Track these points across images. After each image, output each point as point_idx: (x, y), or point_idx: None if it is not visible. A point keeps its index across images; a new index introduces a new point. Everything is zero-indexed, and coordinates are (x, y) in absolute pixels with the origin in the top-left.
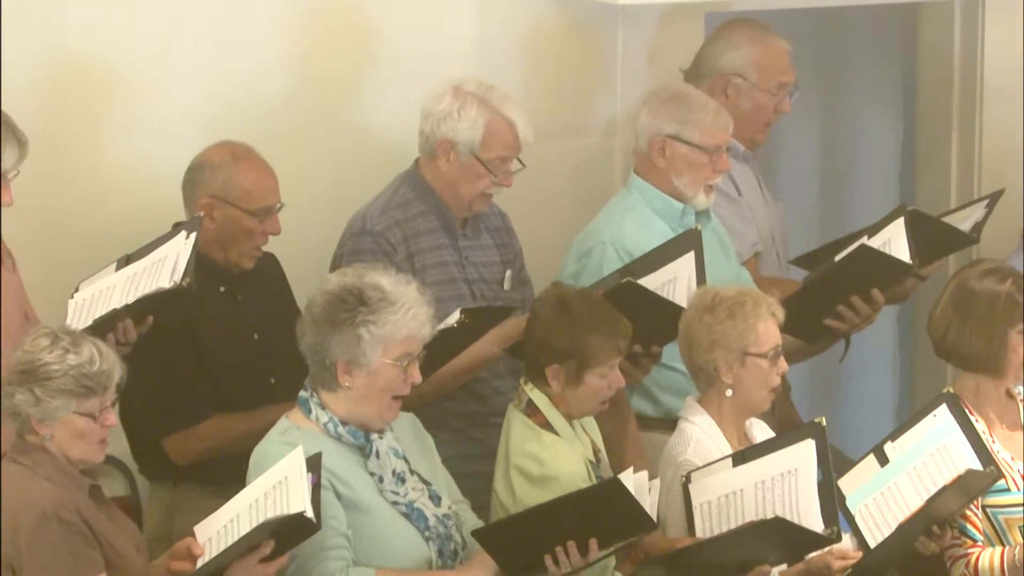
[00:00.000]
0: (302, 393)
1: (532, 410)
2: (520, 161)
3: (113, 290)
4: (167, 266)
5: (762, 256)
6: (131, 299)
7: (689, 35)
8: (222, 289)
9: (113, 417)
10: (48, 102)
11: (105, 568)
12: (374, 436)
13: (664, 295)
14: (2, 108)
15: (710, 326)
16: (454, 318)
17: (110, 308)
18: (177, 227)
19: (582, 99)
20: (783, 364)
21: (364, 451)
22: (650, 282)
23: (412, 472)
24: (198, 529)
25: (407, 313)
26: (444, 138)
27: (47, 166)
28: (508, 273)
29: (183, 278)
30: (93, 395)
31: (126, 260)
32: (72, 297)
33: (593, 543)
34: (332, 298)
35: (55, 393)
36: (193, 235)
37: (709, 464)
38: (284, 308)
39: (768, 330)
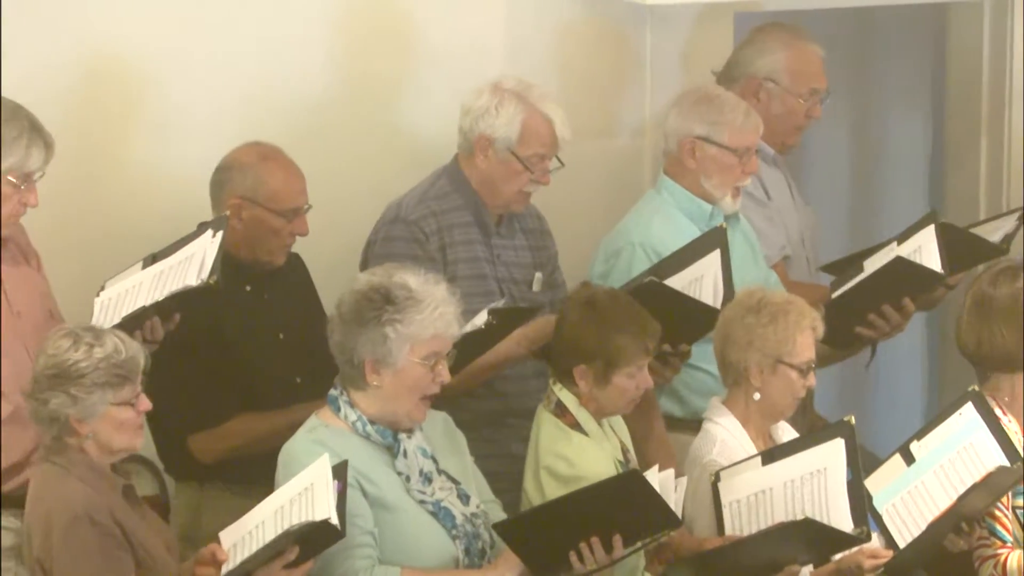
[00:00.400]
0: (332, 391)
1: (561, 411)
2: (559, 159)
3: (139, 288)
4: (194, 264)
5: (791, 260)
6: (158, 297)
7: (719, 36)
8: (248, 288)
9: (146, 401)
10: (80, 103)
11: (136, 570)
12: (402, 435)
13: (692, 293)
14: (31, 110)
15: (751, 327)
16: (482, 319)
17: (137, 306)
18: (203, 226)
19: (611, 100)
20: (812, 379)
21: (392, 450)
22: (677, 281)
23: (440, 471)
24: (224, 535)
25: (434, 312)
26: (482, 134)
27: (79, 167)
28: (538, 275)
29: (210, 276)
30: (127, 383)
31: (152, 259)
32: (98, 296)
33: (617, 539)
34: (360, 297)
35: (91, 388)
36: (219, 233)
37: (738, 463)
38: (310, 308)
39: (805, 343)
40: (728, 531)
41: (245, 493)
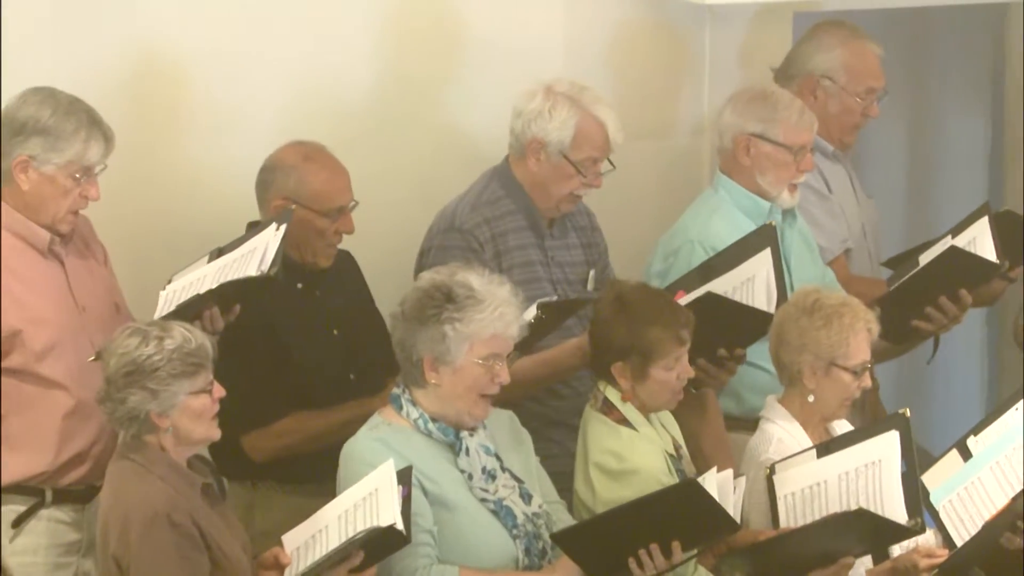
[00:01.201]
0: (395, 389)
1: (608, 408)
2: (611, 162)
3: (203, 281)
4: (255, 256)
5: (853, 253)
6: (215, 285)
7: (777, 35)
8: (300, 286)
9: (220, 387)
10: (134, 100)
11: (212, 571)
12: (464, 433)
13: (744, 293)
14: (89, 104)
15: (804, 329)
16: (531, 313)
17: (197, 291)
18: (253, 226)
19: (669, 99)
20: (867, 380)
21: (454, 448)
22: (729, 280)
23: (503, 469)
24: (286, 538)
25: (494, 312)
26: (534, 137)
27: (129, 165)
28: (592, 273)
29: (270, 267)
30: (201, 370)
31: (218, 252)
32: (164, 289)
33: (676, 545)
34: (421, 294)
35: (168, 380)
36: (283, 227)
37: (793, 455)
38: (362, 304)
39: (859, 345)
40: (783, 524)
41: (298, 491)
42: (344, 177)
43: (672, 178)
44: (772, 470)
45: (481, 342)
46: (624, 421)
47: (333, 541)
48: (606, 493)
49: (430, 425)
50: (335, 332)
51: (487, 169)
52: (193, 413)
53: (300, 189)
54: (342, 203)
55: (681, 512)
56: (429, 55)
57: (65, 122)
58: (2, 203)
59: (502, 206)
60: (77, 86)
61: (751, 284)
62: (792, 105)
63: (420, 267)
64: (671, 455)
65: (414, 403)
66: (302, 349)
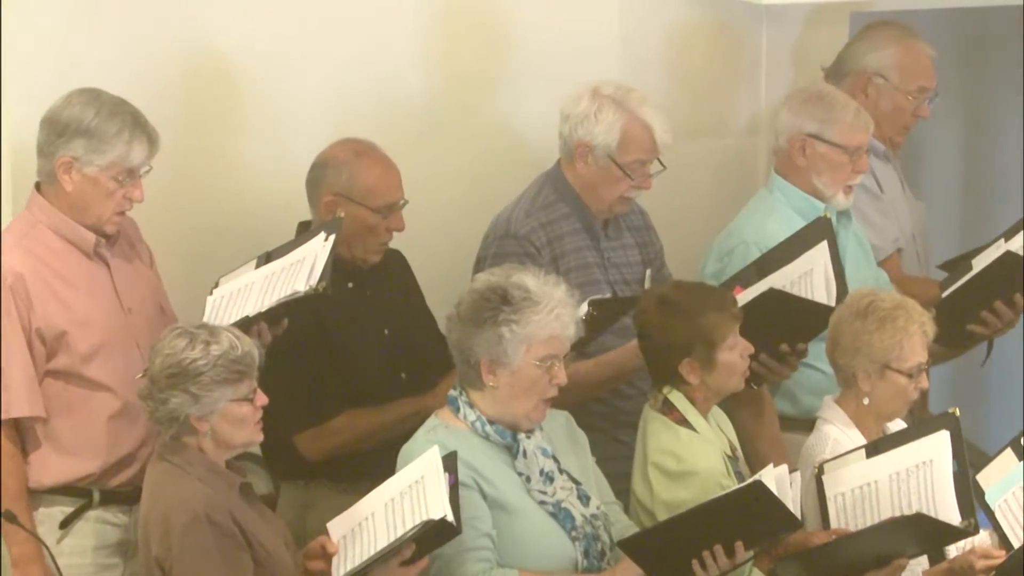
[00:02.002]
0: (451, 391)
1: (668, 408)
2: (661, 163)
3: (251, 288)
4: (304, 268)
5: (903, 255)
6: (266, 303)
7: (833, 35)
8: (350, 285)
9: (263, 396)
10: (186, 101)
11: (255, 568)
12: (521, 436)
13: (803, 287)
14: (136, 106)
15: (858, 332)
16: (583, 311)
17: (246, 309)
18: (304, 227)
19: (725, 99)
20: (924, 381)
21: (511, 450)
22: (787, 274)
23: (561, 471)
24: (332, 526)
25: (550, 313)
26: (581, 141)
27: (181, 165)
28: (648, 272)
29: (319, 282)
30: (245, 378)
31: (266, 257)
32: (211, 293)
33: (739, 545)
34: (477, 296)
35: (211, 386)
36: (332, 237)
37: (842, 455)
38: (413, 303)
39: (914, 347)
40: (833, 524)
41: (351, 490)
42: (395, 174)
43: (727, 178)
44: (821, 470)
45: (538, 343)
46: (683, 422)
47: (380, 529)
48: (664, 493)
49: (487, 427)
50: (386, 331)
51: (539, 174)
52: (234, 419)
53: (352, 185)
54: (393, 200)
55: (745, 513)
56: (481, 55)
57: (108, 124)
58: (48, 204)
59: (556, 210)
60: (129, 86)
61: (809, 277)
62: (848, 106)
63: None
64: (728, 456)
65: (471, 405)
66: (354, 348)
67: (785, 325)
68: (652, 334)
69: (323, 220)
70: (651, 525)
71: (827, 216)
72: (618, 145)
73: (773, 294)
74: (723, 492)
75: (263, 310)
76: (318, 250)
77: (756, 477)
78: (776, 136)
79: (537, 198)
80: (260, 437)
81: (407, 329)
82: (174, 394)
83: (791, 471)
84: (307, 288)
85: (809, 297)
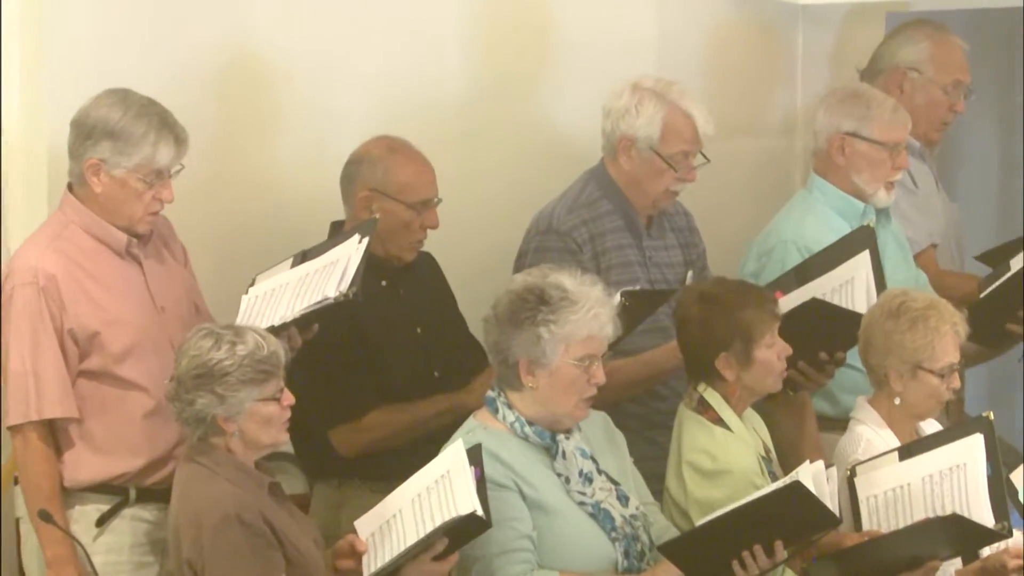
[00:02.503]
0: (489, 393)
1: (703, 407)
2: (704, 155)
3: (285, 289)
4: (336, 272)
5: (938, 251)
6: (298, 307)
7: (870, 35)
8: (384, 283)
9: (290, 395)
10: (221, 101)
11: (286, 567)
12: (560, 436)
13: (843, 295)
14: (170, 107)
15: (889, 333)
16: (615, 301)
17: (278, 311)
18: (337, 226)
19: (761, 98)
20: (956, 381)
21: (550, 452)
22: (827, 282)
23: (600, 472)
24: (359, 524)
25: (588, 313)
26: (623, 135)
27: (219, 164)
28: (690, 273)
29: (349, 288)
30: (271, 378)
31: (303, 256)
32: (247, 291)
33: (779, 544)
34: (515, 297)
35: (237, 386)
36: (366, 240)
37: (875, 457)
38: (444, 304)
39: (945, 348)
40: (866, 527)
41: (384, 489)
42: (429, 170)
43: (764, 178)
44: (853, 472)
45: (576, 343)
46: (719, 421)
47: (408, 525)
48: (698, 492)
49: (526, 428)
50: (418, 330)
51: (584, 171)
52: (261, 419)
53: (386, 180)
54: (427, 196)
55: (784, 513)
56: (521, 55)
57: (134, 125)
58: (79, 204)
59: (600, 207)
60: (166, 86)
61: (850, 287)
62: (885, 102)
63: (518, 270)
64: (762, 457)
65: (510, 406)
66: (387, 346)
67: (825, 334)
68: (691, 327)
69: (357, 216)
70: (691, 528)
71: (870, 225)
72: (660, 136)
73: (815, 304)
74: (762, 493)
75: (292, 318)
76: (351, 253)
77: (793, 475)
78: (815, 137)
79: (581, 195)
80: (285, 437)
81: (439, 328)
82: (200, 395)
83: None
84: (337, 294)
85: (849, 306)
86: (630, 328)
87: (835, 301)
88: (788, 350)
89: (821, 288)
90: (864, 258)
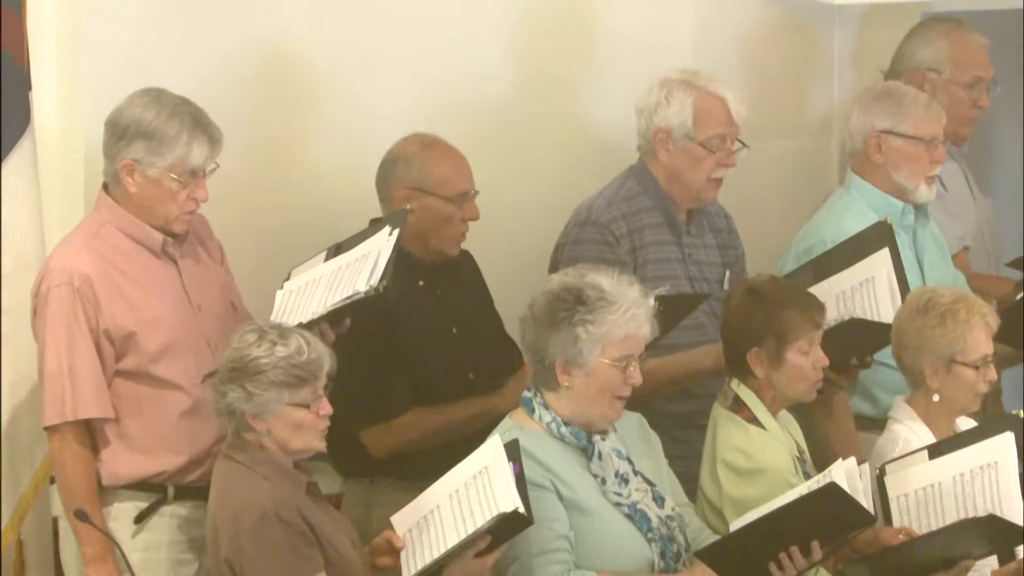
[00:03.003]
0: (525, 393)
1: (738, 406)
2: (742, 142)
3: (318, 283)
4: (367, 265)
5: (971, 252)
6: (328, 303)
7: (905, 35)
8: (421, 283)
9: (328, 406)
10: (262, 99)
11: (324, 566)
12: (596, 437)
13: (864, 293)
14: (211, 105)
15: (920, 329)
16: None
17: (311, 306)
18: (375, 223)
19: (798, 98)
20: (991, 373)
21: (587, 452)
22: (847, 279)
23: (636, 473)
24: (396, 520)
25: (626, 313)
26: (658, 128)
27: (259, 162)
28: (728, 275)
29: (380, 281)
30: (305, 384)
31: (336, 249)
32: (282, 286)
33: (815, 545)
34: (552, 297)
35: (267, 386)
36: (396, 232)
37: (904, 456)
38: (482, 303)
39: (978, 340)
40: (896, 526)
41: (416, 488)
42: (465, 163)
43: (801, 178)
44: (883, 471)
45: (614, 344)
46: (754, 420)
47: (447, 521)
48: (733, 490)
49: (563, 429)
50: (454, 330)
51: (624, 168)
52: (291, 424)
53: (424, 176)
54: (465, 188)
55: (820, 513)
56: (560, 53)
57: (168, 125)
58: (114, 204)
59: (639, 202)
60: (201, 85)
61: (871, 285)
62: (918, 98)
63: (555, 261)
64: (797, 457)
65: (546, 406)
66: (422, 346)
67: (858, 343)
68: (731, 317)
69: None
70: (727, 533)
71: (888, 221)
72: (694, 122)
73: (854, 323)
74: (798, 495)
75: (324, 313)
76: (382, 246)
77: (827, 474)
78: (851, 138)
79: (620, 189)
80: (321, 444)
81: (475, 329)
82: (231, 388)
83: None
84: (367, 288)
85: (873, 306)
86: (666, 331)
87: (857, 299)
88: (825, 362)
89: (840, 285)
90: (884, 256)
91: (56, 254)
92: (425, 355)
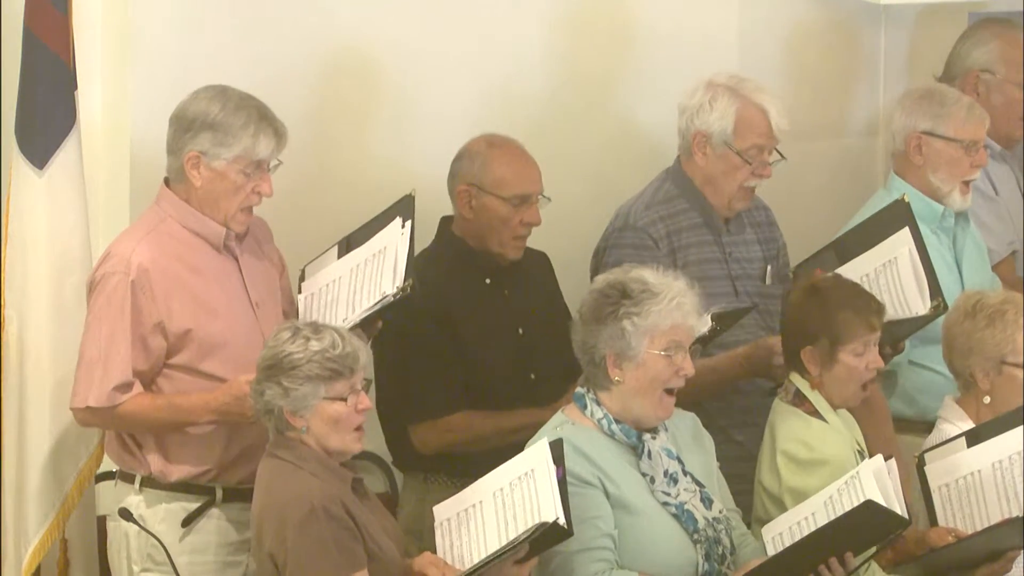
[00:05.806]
0: (579, 389)
1: (799, 399)
2: (780, 153)
3: (338, 285)
4: (387, 263)
5: (1019, 256)
6: (359, 308)
7: (952, 35)
8: (488, 281)
9: (367, 400)
10: (319, 99)
11: (367, 563)
12: (647, 436)
13: (889, 274)
14: (270, 103)
15: (969, 332)
16: (706, 325)
17: (337, 311)
18: (447, 221)
19: (843, 98)
20: None
21: (636, 451)
22: (869, 260)
23: (686, 473)
24: (438, 510)
25: (671, 303)
26: (698, 131)
27: (317, 160)
28: (769, 268)
29: (406, 281)
30: (340, 377)
31: (347, 243)
32: (299, 288)
33: (849, 555)
34: (597, 295)
35: (302, 381)
36: (408, 224)
37: (942, 444)
38: (552, 306)
39: None
40: (939, 515)
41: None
42: (531, 167)
43: (845, 178)
44: (922, 460)
45: (661, 333)
46: (815, 413)
47: (488, 518)
48: (792, 480)
49: (614, 426)
50: (520, 330)
51: (661, 170)
52: (328, 418)
53: (483, 174)
54: (525, 191)
55: (857, 526)
56: (603, 53)
57: (234, 117)
58: (176, 198)
59: (676, 204)
60: (267, 80)
61: (894, 266)
62: (960, 100)
63: (596, 266)
64: (858, 451)
65: (598, 403)
66: (481, 345)
67: (891, 333)
68: (790, 312)
69: (460, 212)
70: (766, 558)
71: (906, 198)
72: (734, 131)
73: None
74: (835, 516)
75: (356, 321)
76: (398, 241)
77: (856, 475)
78: (893, 138)
79: (658, 192)
80: (358, 446)
81: (542, 332)
82: (268, 386)
83: (906, 471)
84: (396, 291)
85: (898, 286)
86: (713, 339)
87: (882, 282)
88: (880, 364)
89: (864, 267)
90: (904, 235)
91: (118, 242)
92: (485, 353)
